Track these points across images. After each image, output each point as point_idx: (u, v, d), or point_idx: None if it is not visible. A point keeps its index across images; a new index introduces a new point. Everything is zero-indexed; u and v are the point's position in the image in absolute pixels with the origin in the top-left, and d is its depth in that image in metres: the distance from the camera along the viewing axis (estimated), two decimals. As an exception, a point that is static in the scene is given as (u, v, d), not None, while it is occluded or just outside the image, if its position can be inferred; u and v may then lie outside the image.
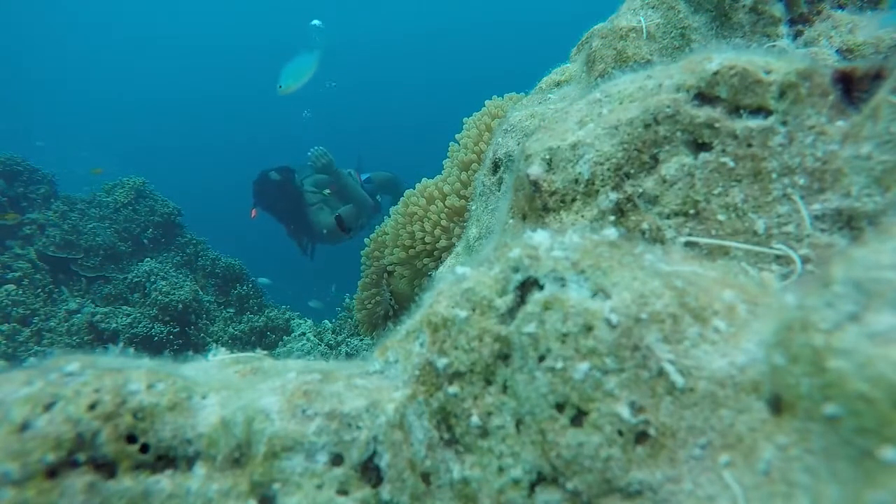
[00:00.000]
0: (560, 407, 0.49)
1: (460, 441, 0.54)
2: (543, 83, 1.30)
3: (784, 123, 0.63)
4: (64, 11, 25.72)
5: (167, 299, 4.33)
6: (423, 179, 2.00)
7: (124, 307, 4.41)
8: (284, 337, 4.52)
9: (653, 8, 1.08)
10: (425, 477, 0.55)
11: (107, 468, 0.55)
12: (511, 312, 0.53)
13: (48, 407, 0.55)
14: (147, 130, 22.56)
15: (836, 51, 1.02)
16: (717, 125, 0.64)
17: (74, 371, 0.58)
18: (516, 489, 0.51)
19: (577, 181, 0.70)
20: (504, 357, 0.53)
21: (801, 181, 0.62)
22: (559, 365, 0.49)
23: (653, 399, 0.47)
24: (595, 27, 1.19)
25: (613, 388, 0.48)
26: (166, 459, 0.57)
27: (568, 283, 0.51)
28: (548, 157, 0.72)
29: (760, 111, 0.64)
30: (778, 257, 0.62)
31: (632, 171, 0.67)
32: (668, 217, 0.66)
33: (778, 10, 1.07)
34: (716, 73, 0.65)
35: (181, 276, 4.83)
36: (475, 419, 0.53)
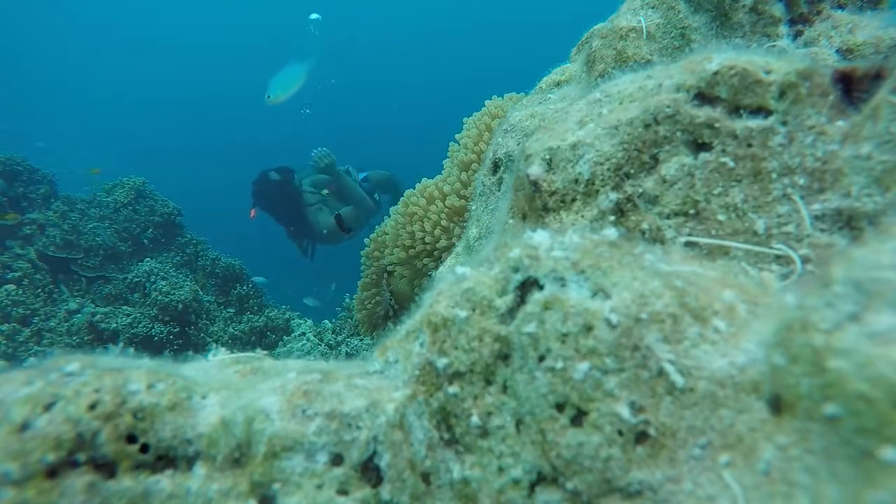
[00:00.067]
0: (560, 407, 0.49)
1: (460, 441, 0.54)
2: (543, 83, 1.30)
3: (784, 123, 0.63)
4: (64, 11, 25.73)
5: (167, 299, 4.33)
6: (423, 179, 2.00)
7: (124, 307, 4.41)
8: (284, 337, 4.52)
9: (653, 8, 1.08)
10: (425, 477, 0.55)
11: (107, 468, 0.55)
12: (511, 312, 0.53)
13: (48, 407, 0.55)
14: (146, 130, 22.57)
15: (836, 51, 1.02)
16: (717, 125, 0.64)
17: (74, 371, 0.58)
18: (516, 489, 0.51)
19: (577, 181, 0.70)
20: (504, 357, 0.53)
21: (801, 181, 0.62)
22: (559, 365, 0.49)
23: (653, 399, 0.47)
24: (595, 27, 1.19)
25: (613, 388, 0.48)
26: (166, 459, 0.57)
27: (568, 283, 0.51)
28: (548, 157, 0.72)
29: (760, 111, 0.64)
30: (778, 257, 0.62)
31: (632, 171, 0.67)
32: (668, 217, 0.66)
33: (778, 10, 1.07)
34: (716, 73, 0.65)
35: (181, 276, 4.83)
36: (475, 419, 0.53)
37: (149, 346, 4.12)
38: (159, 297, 4.33)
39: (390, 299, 2.08)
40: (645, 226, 0.66)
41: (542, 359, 0.50)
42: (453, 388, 0.54)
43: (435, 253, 1.85)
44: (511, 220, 0.79)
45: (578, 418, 0.48)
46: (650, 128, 0.66)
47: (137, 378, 0.58)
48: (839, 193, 0.61)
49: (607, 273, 0.51)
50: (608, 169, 0.68)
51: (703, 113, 0.65)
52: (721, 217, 0.64)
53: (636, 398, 0.47)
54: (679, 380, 0.47)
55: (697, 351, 0.48)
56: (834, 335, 0.40)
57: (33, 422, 0.54)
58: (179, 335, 4.33)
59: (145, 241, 5.05)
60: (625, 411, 0.47)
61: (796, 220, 0.62)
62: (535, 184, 0.72)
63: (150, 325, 4.24)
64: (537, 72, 1.35)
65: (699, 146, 0.65)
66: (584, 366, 0.48)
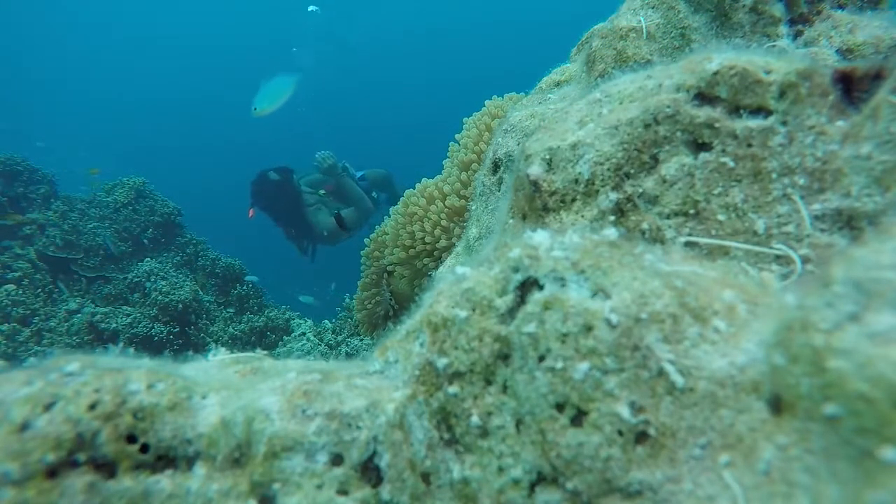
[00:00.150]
0: (560, 407, 0.49)
1: (460, 441, 0.54)
2: (543, 83, 1.30)
3: (784, 123, 0.63)
4: (64, 11, 25.72)
5: (167, 299, 4.33)
6: (423, 179, 2.00)
7: (124, 307, 4.41)
8: (284, 337, 4.52)
9: (653, 8, 1.08)
10: (425, 477, 0.55)
11: (107, 468, 0.55)
12: (511, 312, 0.53)
13: (48, 407, 0.55)
14: (146, 130, 22.55)
15: (836, 51, 1.02)
16: (717, 125, 0.64)
17: (74, 371, 0.58)
18: (516, 489, 0.51)
19: (577, 181, 0.70)
20: (504, 357, 0.53)
21: (801, 181, 0.62)
22: (559, 365, 0.49)
23: (653, 399, 0.47)
24: (595, 27, 1.19)
25: (613, 388, 0.48)
26: (166, 459, 0.57)
27: (568, 283, 0.51)
28: (548, 157, 0.72)
29: (760, 111, 0.64)
30: (778, 257, 0.62)
31: (632, 171, 0.67)
32: (668, 217, 0.66)
33: (778, 10, 1.07)
34: (716, 73, 0.65)
35: (181, 276, 4.83)
36: (475, 419, 0.53)
37: (149, 346, 4.12)
38: (159, 297, 4.33)
39: (390, 299, 2.08)
40: (645, 226, 0.66)
41: (542, 359, 0.50)
42: (453, 388, 0.54)
43: (435, 253, 1.85)
44: (511, 220, 0.79)
45: (578, 418, 0.48)
46: (650, 128, 0.66)
47: (137, 378, 0.58)
48: (839, 193, 0.61)
49: (607, 273, 0.51)
50: (608, 169, 0.68)
51: (703, 113, 0.65)
52: (721, 217, 0.64)
53: (636, 398, 0.47)
54: (679, 380, 0.47)
55: (697, 351, 0.48)
56: (834, 335, 0.40)
57: (33, 422, 0.54)
58: (179, 335, 4.33)
59: (145, 241, 5.05)
60: (625, 411, 0.47)
61: (796, 220, 0.62)
62: (535, 184, 0.72)
63: (150, 325, 4.24)
64: (537, 72, 1.35)
65: (699, 146, 0.65)
66: (584, 366, 0.48)
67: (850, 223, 0.61)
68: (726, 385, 0.46)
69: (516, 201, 0.78)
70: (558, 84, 1.26)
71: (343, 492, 0.55)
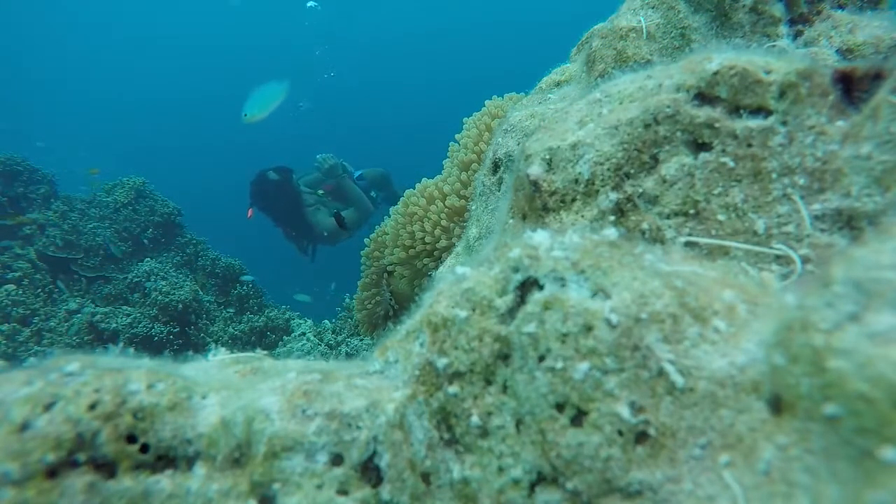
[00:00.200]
0: (560, 407, 0.49)
1: (460, 441, 0.54)
2: (543, 83, 1.30)
3: (784, 123, 0.63)
4: (64, 11, 25.72)
5: (167, 299, 4.33)
6: (423, 179, 2.00)
7: (124, 307, 4.41)
8: (284, 337, 4.52)
9: (653, 8, 1.08)
10: (425, 477, 0.55)
11: (107, 468, 0.55)
12: (511, 312, 0.53)
13: (48, 407, 0.55)
14: (146, 130, 22.56)
15: (836, 51, 1.02)
16: (717, 125, 0.64)
17: (74, 371, 0.58)
18: (516, 489, 0.51)
19: (577, 181, 0.70)
20: (504, 357, 0.53)
21: (801, 181, 0.62)
22: (559, 365, 0.49)
23: (653, 399, 0.47)
24: (595, 27, 1.19)
25: (613, 388, 0.48)
26: (166, 459, 0.57)
27: (568, 283, 0.51)
28: (548, 157, 0.72)
29: (760, 111, 0.64)
30: (778, 257, 0.62)
31: (632, 171, 0.67)
32: (668, 217, 0.66)
33: (778, 10, 1.07)
34: (716, 73, 0.65)
35: (181, 276, 4.83)
36: (475, 419, 0.53)
37: (149, 346, 4.12)
38: (159, 297, 4.33)
39: (390, 299, 2.08)
40: (645, 226, 0.66)
41: (542, 359, 0.50)
42: (453, 388, 0.54)
43: (435, 253, 1.86)
44: (511, 220, 0.79)
45: (578, 418, 0.48)
46: (650, 128, 0.66)
47: (137, 378, 0.58)
48: (839, 193, 0.61)
49: (607, 273, 0.51)
50: (608, 169, 0.68)
51: (703, 113, 0.65)
52: (721, 217, 0.64)
53: (636, 398, 0.47)
54: (679, 380, 0.47)
55: (697, 351, 0.48)
56: (834, 335, 0.40)
57: (33, 422, 0.54)
58: (179, 335, 4.32)
59: (145, 241, 5.05)
60: (625, 411, 0.47)
61: (796, 220, 0.62)
62: (535, 184, 0.72)
63: (150, 325, 4.24)
64: (537, 72, 1.35)
65: (699, 146, 0.65)
66: (584, 366, 0.48)
67: (850, 223, 0.61)
68: (726, 385, 0.46)
69: (516, 201, 0.78)
70: (558, 84, 1.26)
71: (343, 492, 0.55)
